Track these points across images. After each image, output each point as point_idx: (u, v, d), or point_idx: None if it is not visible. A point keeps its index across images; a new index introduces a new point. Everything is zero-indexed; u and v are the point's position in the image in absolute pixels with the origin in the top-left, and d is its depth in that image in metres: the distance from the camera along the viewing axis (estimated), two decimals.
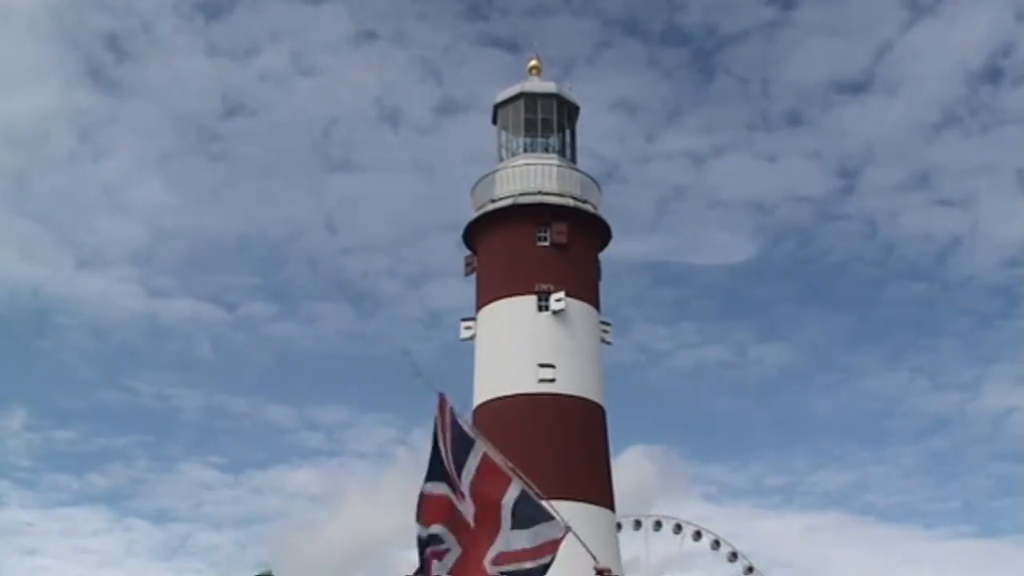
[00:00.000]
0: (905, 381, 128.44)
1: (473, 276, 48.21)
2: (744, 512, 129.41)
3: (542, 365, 43.79)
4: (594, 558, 5.38)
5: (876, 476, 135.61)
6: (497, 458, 5.55)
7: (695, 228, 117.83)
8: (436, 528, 5.45)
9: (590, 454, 44.31)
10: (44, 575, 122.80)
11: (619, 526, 57.00)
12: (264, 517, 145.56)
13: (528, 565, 5.35)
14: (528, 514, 5.56)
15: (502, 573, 5.42)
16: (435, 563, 5.41)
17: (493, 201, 46.34)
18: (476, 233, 47.96)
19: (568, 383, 44.05)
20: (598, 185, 48.69)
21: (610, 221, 48.33)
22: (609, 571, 5.38)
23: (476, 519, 5.41)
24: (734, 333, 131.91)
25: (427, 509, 5.53)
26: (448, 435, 5.56)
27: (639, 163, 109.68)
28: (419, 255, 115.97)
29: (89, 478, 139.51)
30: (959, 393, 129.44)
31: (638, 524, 69.75)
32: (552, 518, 5.55)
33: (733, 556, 69.50)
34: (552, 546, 5.48)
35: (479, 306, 47.17)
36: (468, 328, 47.23)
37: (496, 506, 5.43)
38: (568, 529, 5.53)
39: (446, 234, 48.49)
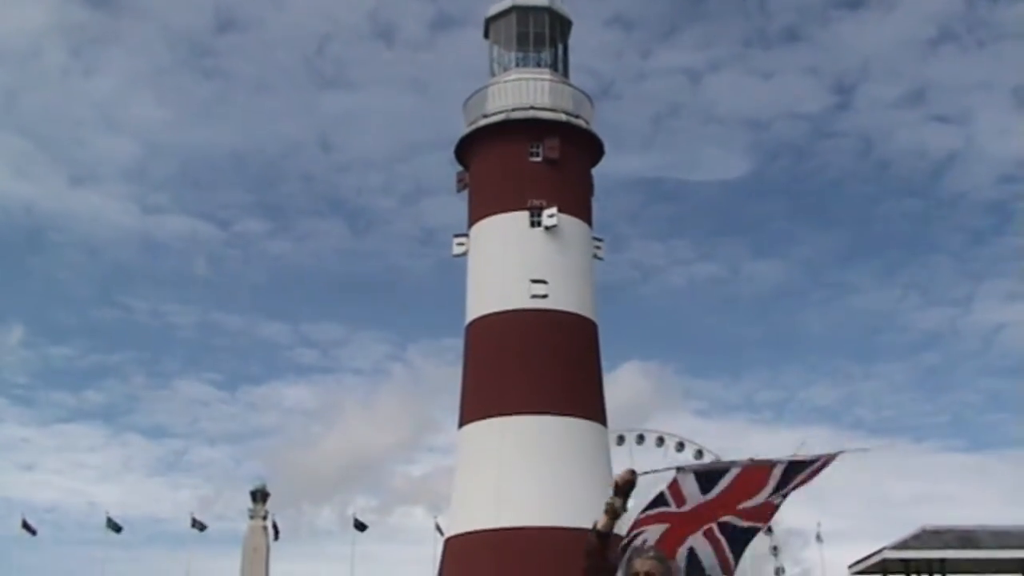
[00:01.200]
0: (897, 297, 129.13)
1: (465, 192, 48.18)
2: (736, 427, 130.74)
3: (534, 281, 43.87)
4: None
5: (867, 391, 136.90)
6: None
7: (690, 145, 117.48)
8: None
9: (583, 370, 44.63)
10: (42, 490, 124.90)
11: (621, 439, 57.98)
12: (260, 433, 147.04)
13: (744, 524, 5.27)
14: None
15: (718, 522, 5.33)
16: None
17: (485, 116, 45.92)
18: (468, 149, 47.64)
19: (560, 299, 44.17)
20: (591, 100, 48.32)
21: (605, 138, 48.08)
22: (632, 474, 5.20)
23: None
24: (728, 250, 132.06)
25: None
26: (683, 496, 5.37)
27: (634, 79, 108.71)
28: (413, 172, 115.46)
29: (85, 394, 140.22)
30: (951, 309, 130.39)
31: (621, 439, 70.63)
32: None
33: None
34: (771, 511, 5.38)
35: (471, 222, 47.15)
36: (461, 244, 47.22)
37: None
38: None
39: (440, 151, 48.22)
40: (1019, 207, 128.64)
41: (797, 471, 5.42)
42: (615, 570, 5.13)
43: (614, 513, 5.12)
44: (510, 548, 39.43)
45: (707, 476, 5.39)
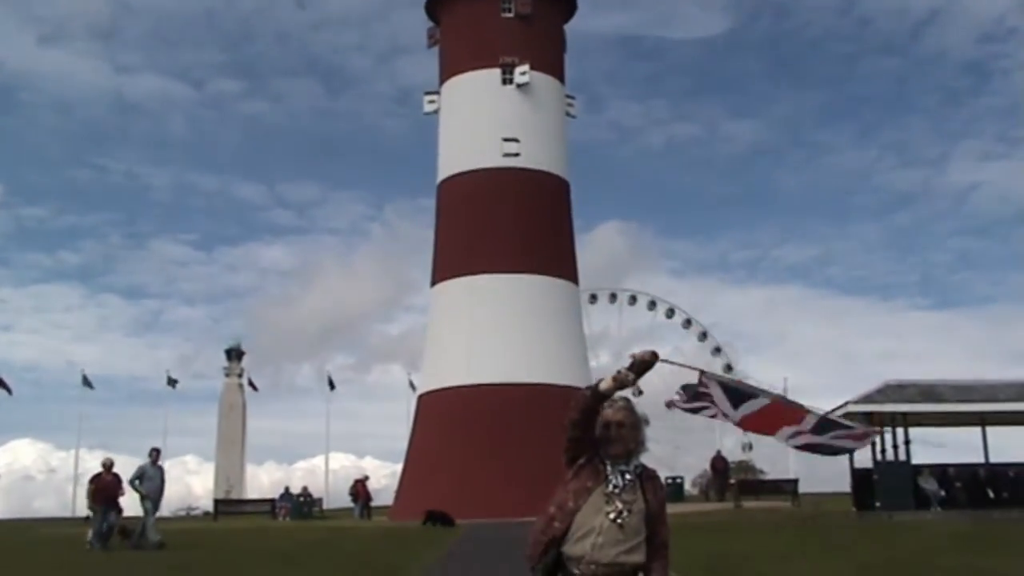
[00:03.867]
0: (873, 157, 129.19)
1: (437, 49, 47.31)
2: (709, 286, 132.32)
3: (507, 139, 43.50)
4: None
5: (839, 250, 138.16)
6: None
7: (669, 1, 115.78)
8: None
9: (555, 229, 44.67)
10: (20, 349, 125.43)
11: (594, 297, 58.45)
12: (237, 293, 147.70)
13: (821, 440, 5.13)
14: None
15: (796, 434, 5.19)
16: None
17: None
18: (439, 3, 46.73)
19: (533, 157, 43.88)
20: None
21: None
22: (654, 355, 5.09)
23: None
24: (706, 110, 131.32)
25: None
26: (716, 393, 5.14)
27: None
28: (389, 30, 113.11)
29: (61, 255, 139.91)
30: (925, 169, 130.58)
31: (593, 298, 71.34)
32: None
33: (687, 323, 71.68)
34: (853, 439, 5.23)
35: (442, 80, 46.42)
36: (432, 102, 46.60)
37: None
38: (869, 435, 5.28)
39: (416, 7, 46.93)
40: (998, 67, 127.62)
41: (829, 428, 5.30)
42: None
43: (622, 384, 5.00)
44: (481, 404, 40.05)
45: (735, 392, 5.28)
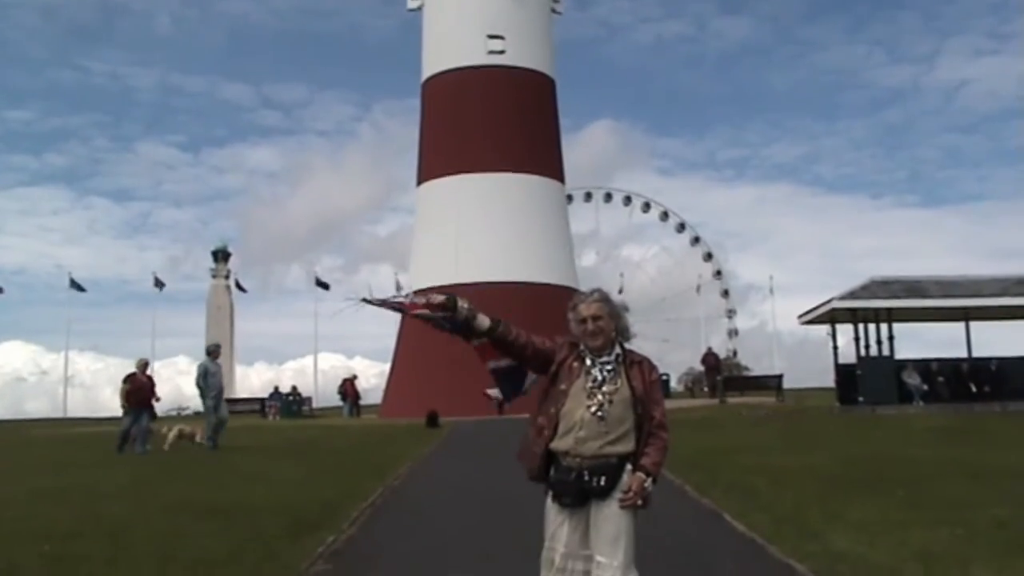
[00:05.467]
0: (862, 54, 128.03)
1: None
2: (697, 184, 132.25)
3: (491, 36, 42.84)
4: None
5: (827, 148, 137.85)
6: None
7: None
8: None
9: (541, 127, 44.27)
10: (8, 253, 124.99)
11: (570, 198, 58.14)
12: (225, 195, 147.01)
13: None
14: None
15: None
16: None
17: None
18: None
19: (518, 55, 43.28)
20: None
21: None
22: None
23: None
24: (695, 6, 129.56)
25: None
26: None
27: None
28: None
29: (47, 158, 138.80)
30: (915, 66, 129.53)
31: (588, 196, 71.23)
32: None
33: (681, 227, 71.70)
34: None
35: None
36: None
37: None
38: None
39: None
40: None
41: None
42: (531, 346, 5.08)
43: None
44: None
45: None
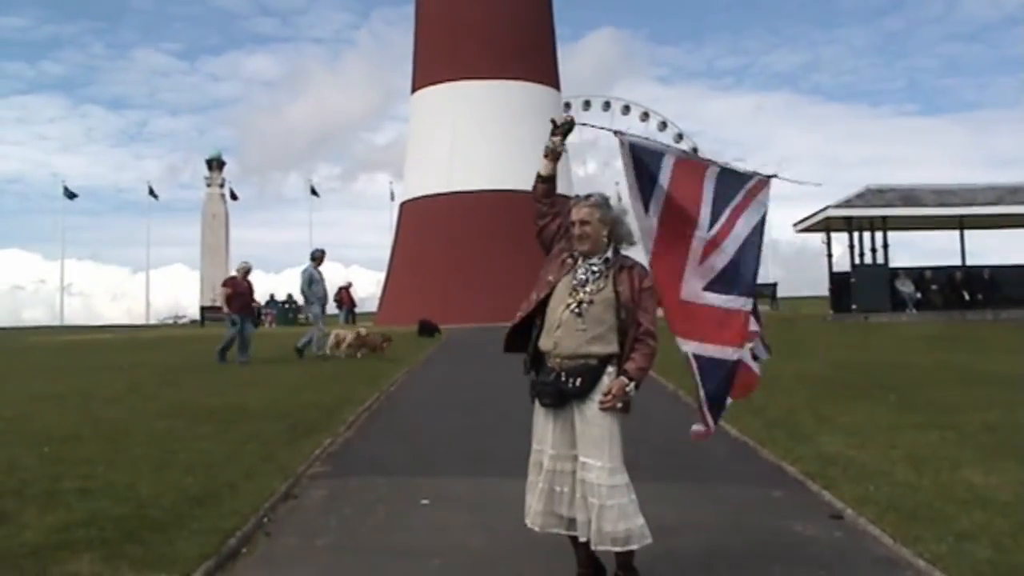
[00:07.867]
0: None
1: None
2: (696, 93, 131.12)
3: None
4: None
5: (827, 56, 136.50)
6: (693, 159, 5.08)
7: None
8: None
9: (536, 34, 43.68)
10: (3, 162, 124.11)
11: (567, 106, 57.57)
12: (221, 103, 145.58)
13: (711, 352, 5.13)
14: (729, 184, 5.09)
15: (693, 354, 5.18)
16: None
17: None
18: None
19: None
20: None
21: None
22: (571, 120, 5.28)
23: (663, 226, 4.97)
24: None
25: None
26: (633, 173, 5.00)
27: None
28: None
29: (42, 65, 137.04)
30: None
31: (587, 104, 70.67)
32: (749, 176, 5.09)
33: (679, 137, 71.29)
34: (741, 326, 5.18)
35: None
36: None
37: (695, 198, 4.94)
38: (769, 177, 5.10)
39: None
40: None
41: (731, 184, 5.16)
42: (563, 215, 5.15)
43: (555, 155, 5.20)
44: (463, 211, 40.04)
45: (646, 153, 5.17)
